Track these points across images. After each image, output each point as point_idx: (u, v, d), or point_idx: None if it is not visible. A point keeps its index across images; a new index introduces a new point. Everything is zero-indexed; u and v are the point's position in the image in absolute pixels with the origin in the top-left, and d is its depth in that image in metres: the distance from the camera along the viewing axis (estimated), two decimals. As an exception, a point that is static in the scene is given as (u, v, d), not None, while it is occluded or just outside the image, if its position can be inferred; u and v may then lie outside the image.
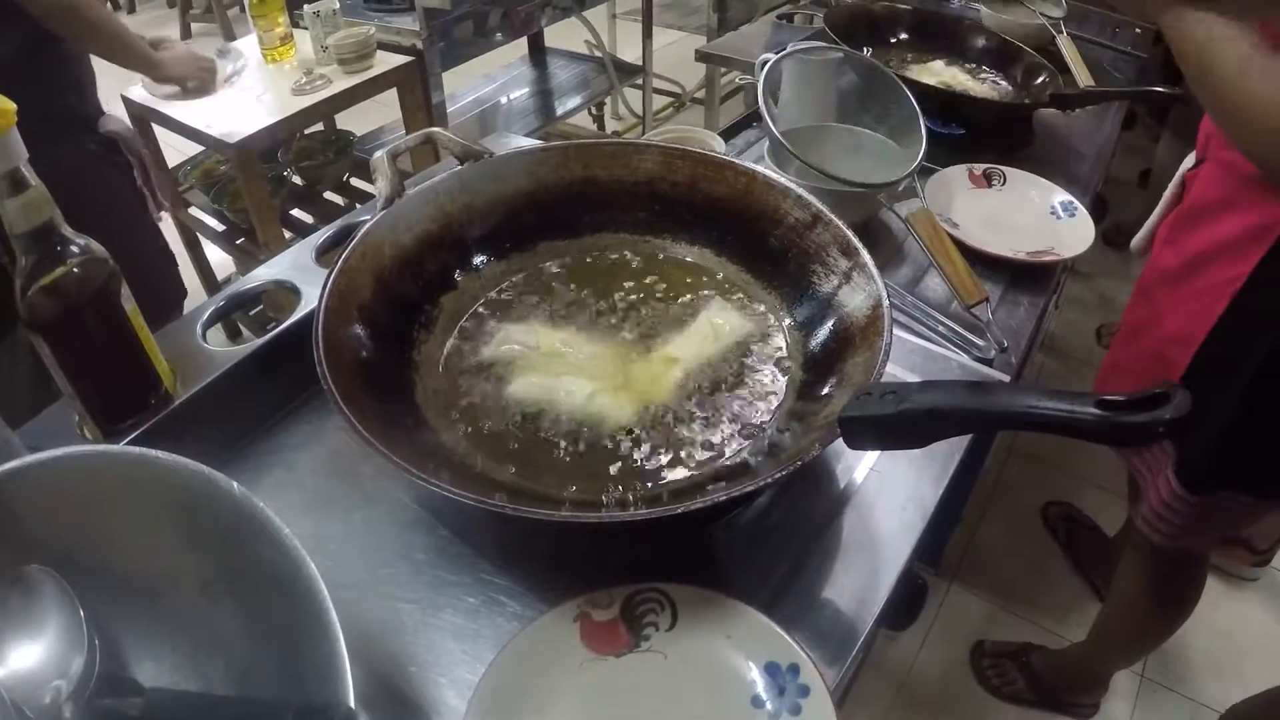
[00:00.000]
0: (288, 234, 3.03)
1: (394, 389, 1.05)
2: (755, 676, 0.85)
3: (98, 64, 2.21)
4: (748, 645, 0.87)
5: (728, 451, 1.01)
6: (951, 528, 2.57)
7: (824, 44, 1.80)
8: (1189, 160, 1.70)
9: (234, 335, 3.34)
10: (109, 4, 6.68)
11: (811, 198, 1.15)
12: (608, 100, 4.65)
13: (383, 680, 0.89)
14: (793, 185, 1.18)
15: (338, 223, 1.42)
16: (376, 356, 1.04)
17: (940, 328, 1.40)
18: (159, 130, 2.81)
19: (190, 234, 3.24)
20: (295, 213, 3.30)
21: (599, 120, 4.72)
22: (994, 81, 2.23)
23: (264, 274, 1.32)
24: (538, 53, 4.36)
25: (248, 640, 0.79)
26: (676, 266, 1.26)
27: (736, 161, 1.23)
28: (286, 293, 1.29)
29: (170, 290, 2.53)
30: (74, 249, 0.93)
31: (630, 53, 4.50)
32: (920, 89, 1.78)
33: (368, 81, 2.82)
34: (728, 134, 2.00)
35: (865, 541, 1.03)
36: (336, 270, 1.04)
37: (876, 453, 1.11)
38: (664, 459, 1.00)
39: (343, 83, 2.78)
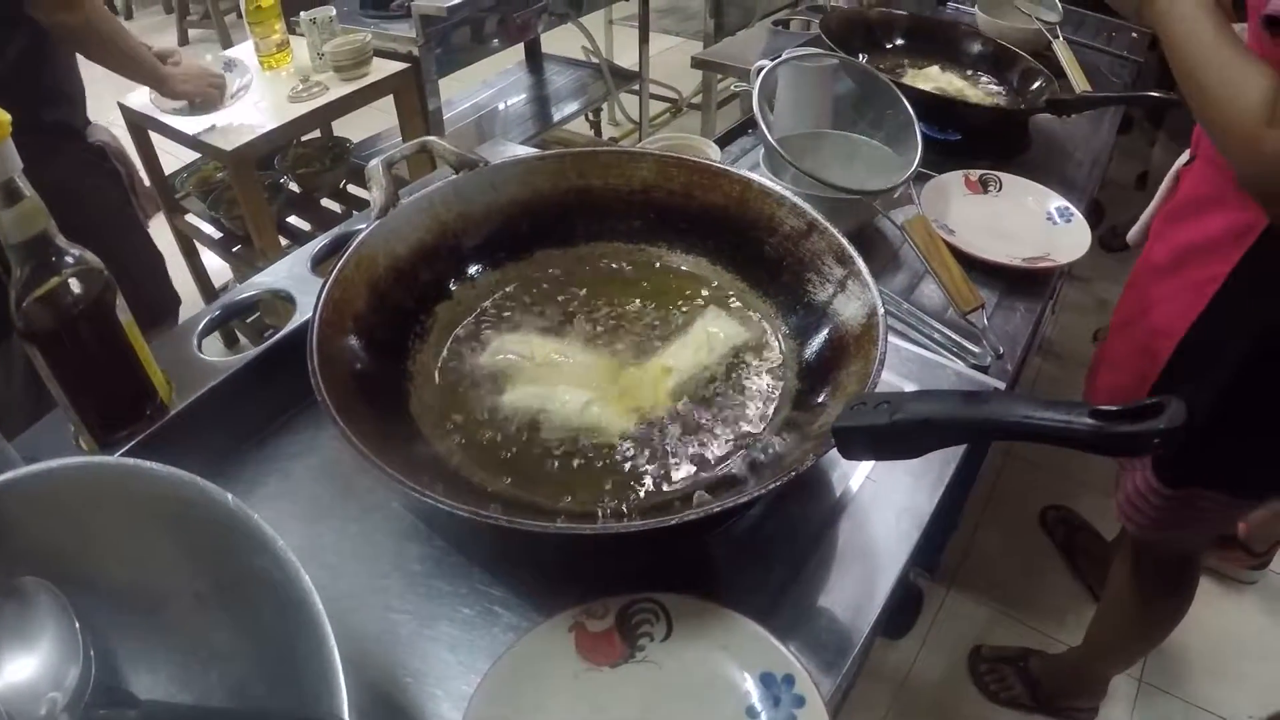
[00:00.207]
0: (284, 241, 3.03)
1: (389, 399, 1.05)
2: (750, 687, 0.85)
3: (94, 69, 2.21)
4: (742, 655, 0.87)
5: (723, 461, 1.01)
6: (949, 533, 2.57)
7: (819, 50, 1.80)
8: (1184, 156, 1.71)
9: (231, 343, 3.35)
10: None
11: (806, 206, 1.15)
12: (604, 106, 4.65)
13: (378, 691, 0.89)
14: (788, 193, 1.18)
15: (333, 231, 1.42)
16: (371, 367, 1.04)
17: (936, 335, 1.40)
18: (155, 137, 2.81)
19: (187, 241, 3.24)
20: (292, 220, 3.31)
21: (596, 126, 4.72)
22: (990, 87, 2.23)
23: (259, 283, 1.32)
24: (534, 59, 4.35)
25: (243, 651, 0.79)
26: (672, 275, 1.26)
27: (731, 170, 1.24)
28: (282, 302, 1.29)
29: (163, 298, 2.53)
30: (69, 259, 0.93)
31: (627, 58, 4.50)
32: (916, 95, 1.78)
33: (364, 89, 2.82)
34: (724, 141, 2.00)
35: (861, 550, 1.03)
36: (331, 281, 1.04)
37: (872, 462, 1.11)
38: (659, 469, 1.00)
39: (339, 90, 2.77)
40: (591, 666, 0.88)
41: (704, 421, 1.06)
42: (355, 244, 1.10)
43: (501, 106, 4.02)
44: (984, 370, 1.34)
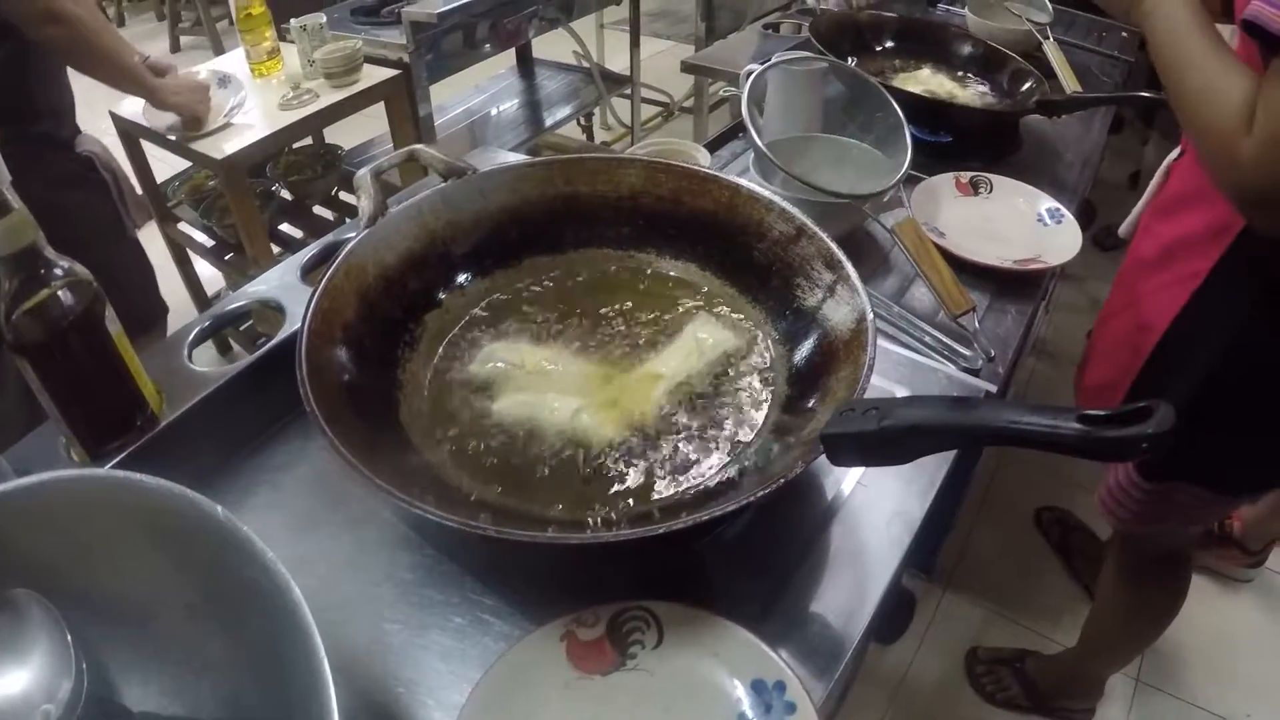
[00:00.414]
0: (276, 249, 3.03)
1: (378, 409, 1.05)
2: (741, 694, 0.85)
3: (85, 78, 2.21)
4: (734, 662, 0.87)
5: (713, 468, 1.01)
6: (945, 534, 2.57)
7: (809, 54, 1.80)
8: (1175, 152, 1.71)
9: (224, 350, 3.35)
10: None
11: (795, 211, 1.15)
12: (596, 110, 4.65)
13: (369, 701, 0.89)
14: (776, 199, 1.18)
15: (322, 240, 1.42)
16: (360, 377, 1.04)
17: (927, 338, 1.40)
18: (147, 145, 2.81)
19: (179, 249, 3.24)
20: (284, 227, 3.30)
21: (588, 131, 4.72)
22: (980, 88, 2.23)
23: (249, 293, 1.32)
24: (526, 64, 4.36)
25: (234, 663, 0.79)
26: (661, 281, 1.26)
27: (719, 175, 1.24)
28: (272, 311, 1.29)
29: (151, 307, 2.53)
30: (58, 272, 0.93)
31: (619, 62, 4.50)
32: (906, 98, 1.79)
33: (355, 96, 2.82)
34: (714, 145, 1.99)
35: (852, 555, 1.02)
36: (320, 291, 1.04)
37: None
38: (649, 477, 1.00)
39: (330, 97, 2.77)
40: (583, 675, 0.87)
41: (694, 428, 1.06)
42: (344, 253, 1.10)
43: (493, 112, 4.02)
44: (975, 373, 1.34)
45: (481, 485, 0.99)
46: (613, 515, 0.95)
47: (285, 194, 3.31)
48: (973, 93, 2.21)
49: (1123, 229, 1.83)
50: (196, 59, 3.66)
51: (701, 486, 0.99)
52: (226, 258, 3.11)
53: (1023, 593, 2.65)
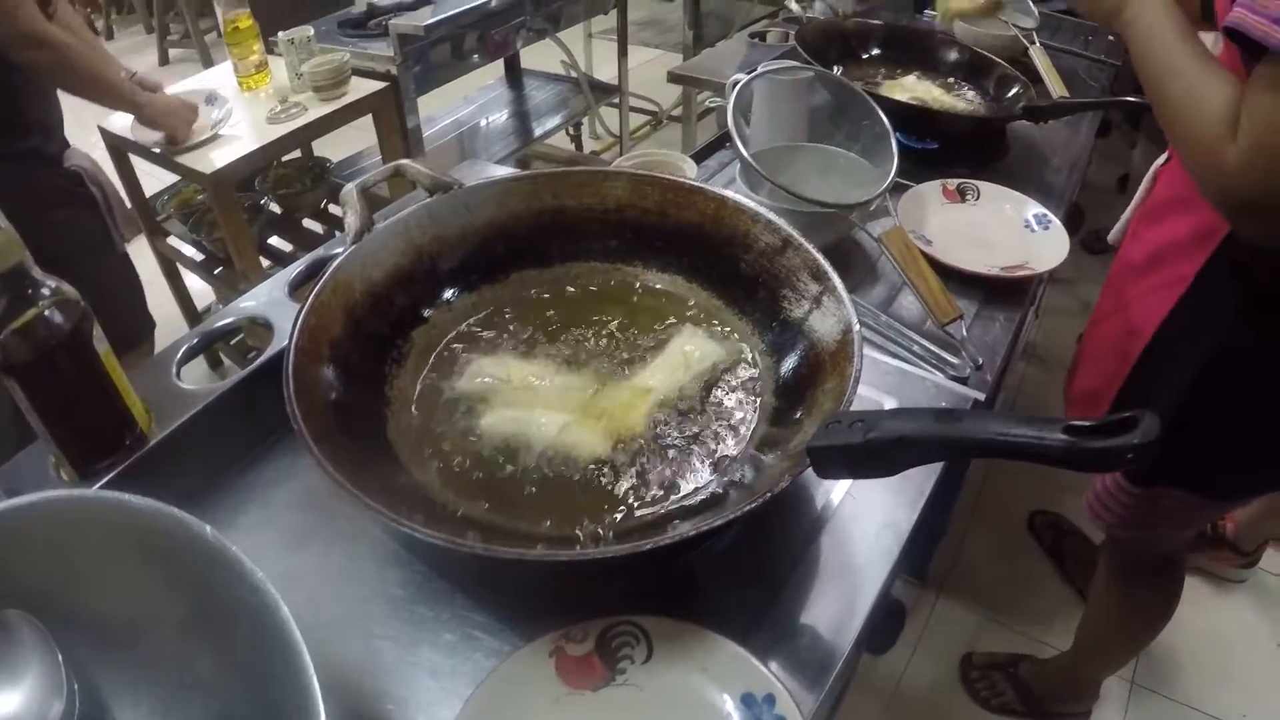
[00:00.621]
0: (266, 262, 3.03)
1: (366, 426, 1.05)
2: (731, 708, 0.85)
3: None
4: (723, 677, 0.87)
5: (701, 482, 1.01)
6: (937, 540, 2.57)
7: (795, 64, 1.80)
8: (1163, 156, 1.72)
9: (215, 364, 3.34)
10: (94, 33, 6.73)
11: (781, 222, 1.16)
12: (585, 120, 4.65)
13: (360, 719, 0.89)
14: (762, 210, 1.18)
15: (310, 256, 1.42)
16: (348, 394, 1.04)
17: (915, 347, 1.40)
18: (136, 159, 2.81)
19: (169, 263, 3.23)
20: (273, 240, 3.31)
21: (577, 140, 4.72)
22: (967, 94, 2.24)
23: (237, 309, 1.32)
24: (514, 74, 4.36)
25: (224, 682, 0.79)
26: (648, 293, 1.27)
27: (705, 187, 1.24)
28: (260, 328, 1.29)
29: (137, 323, 2.52)
30: (45, 291, 0.93)
31: (607, 72, 4.50)
32: (892, 105, 1.79)
33: (343, 108, 2.82)
34: (702, 155, 2.00)
35: (842, 566, 1.02)
36: (306, 308, 1.04)
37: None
38: (637, 492, 1.01)
39: (318, 110, 2.77)
40: (573, 691, 0.87)
41: (681, 442, 1.06)
42: (330, 270, 1.10)
43: (482, 123, 4.03)
44: (964, 381, 1.34)
45: (469, 501, 0.99)
46: (601, 531, 0.95)
47: (274, 207, 3.31)
48: (959, 99, 2.21)
49: (1112, 235, 1.84)
50: (185, 71, 3.66)
51: (689, 501, 0.99)
52: (216, 272, 3.11)
53: (1016, 597, 2.65)
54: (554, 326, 1.22)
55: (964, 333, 1.41)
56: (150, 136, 2.58)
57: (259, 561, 0.74)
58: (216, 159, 2.53)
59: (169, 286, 3.26)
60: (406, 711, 0.89)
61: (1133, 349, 1.51)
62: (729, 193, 1.22)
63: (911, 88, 2.19)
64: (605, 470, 1.03)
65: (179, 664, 0.80)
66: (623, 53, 4.26)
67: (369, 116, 2.98)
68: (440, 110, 4.06)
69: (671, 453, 1.05)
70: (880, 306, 1.50)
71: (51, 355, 0.94)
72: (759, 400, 1.11)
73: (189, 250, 3.19)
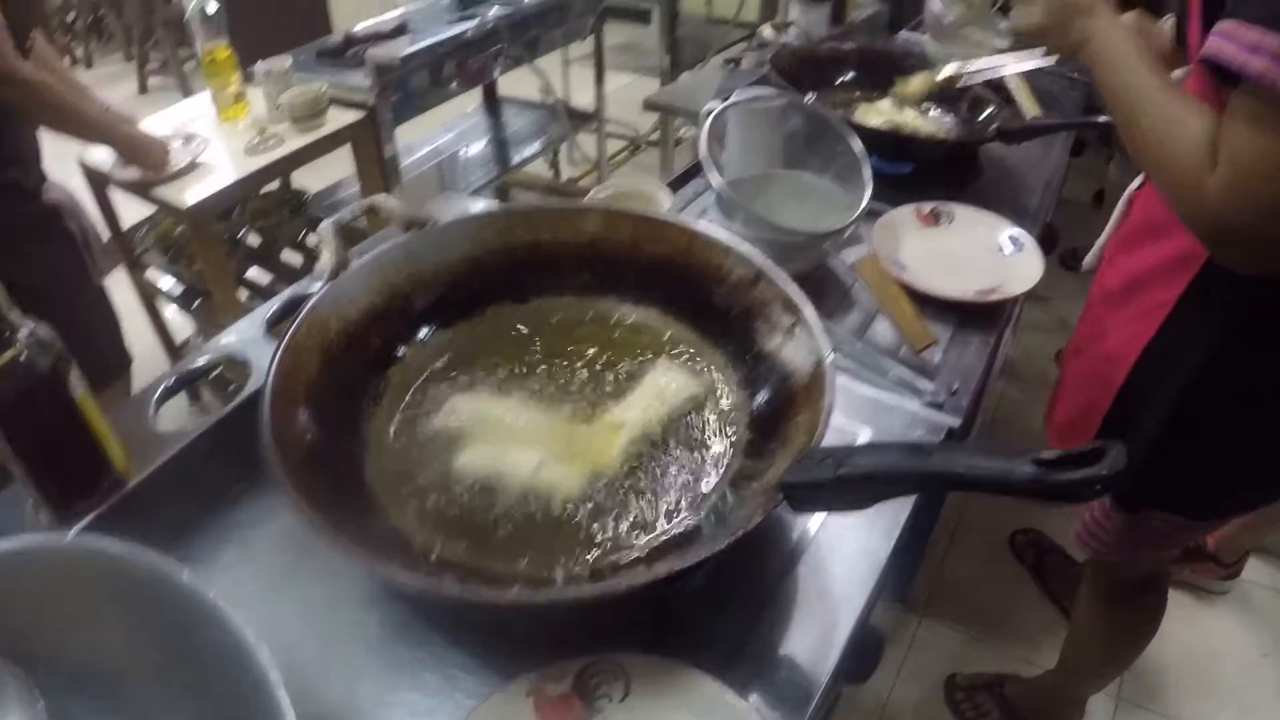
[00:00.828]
0: (246, 293, 3.03)
1: (344, 467, 1.05)
2: (710, 744, 0.86)
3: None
4: (702, 712, 0.87)
5: (676, 518, 1.02)
6: (918, 563, 2.57)
7: (768, 91, 1.80)
8: (1137, 180, 1.72)
9: (195, 397, 3.33)
10: (69, 61, 6.73)
11: (753, 254, 1.16)
12: (564, 146, 4.67)
13: (339, 762, 0.89)
14: (734, 243, 1.19)
15: (288, 292, 1.41)
16: (325, 435, 1.04)
17: (890, 373, 1.40)
18: (115, 192, 2.80)
19: (148, 295, 3.22)
20: (253, 273, 3.29)
21: (555, 167, 4.73)
22: (941, 117, 2.25)
23: (215, 346, 1.32)
24: (492, 101, 4.38)
25: (204, 727, 0.79)
26: (623, 327, 1.27)
27: (677, 221, 1.25)
28: (238, 365, 1.29)
29: (114, 358, 2.51)
30: (22, 334, 0.93)
31: (585, 97, 4.51)
32: (865, 132, 1.80)
33: (321, 140, 2.82)
34: (679, 182, 1.99)
35: (819, 597, 1.03)
36: (282, 348, 1.04)
37: (825, 512, 1.12)
38: (613, 530, 1.01)
39: (296, 141, 2.77)
40: (552, 730, 0.88)
41: (657, 478, 1.06)
42: (305, 310, 1.10)
43: (462, 151, 4.04)
44: (939, 407, 1.35)
45: (447, 541, 0.99)
46: (577, 570, 0.96)
47: (253, 239, 3.30)
48: (933, 121, 2.22)
49: (1087, 261, 1.85)
50: (165, 100, 3.65)
51: (665, 538, 0.99)
52: (195, 305, 3.09)
53: (999, 616, 2.66)
54: (530, 362, 1.22)
55: (938, 358, 1.41)
56: (129, 173, 2.58)
57: (238, 603, 0.74)
58: (194, 193, 2.52)
59: (148, 319, 3.25)
60: (386, 754, 0.89)
61: (1114, 377, 1.51)
62: (701, 226, 1.23)
63: (885, 111, 2.20)
64: (582, 508, 1.03)
65: (159, 708, 0.80)
66: (600, 78, 4.28)
67: (347, 145, 2.98)
68: (419, 138, 4.07)
69: (647, 489, 1.05)
70: (856, 332, 1.51)
71: (29, 398, 0.94)
72: (734, 433, 1.11)
73: (168, 283, 3.18)
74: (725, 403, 1.15)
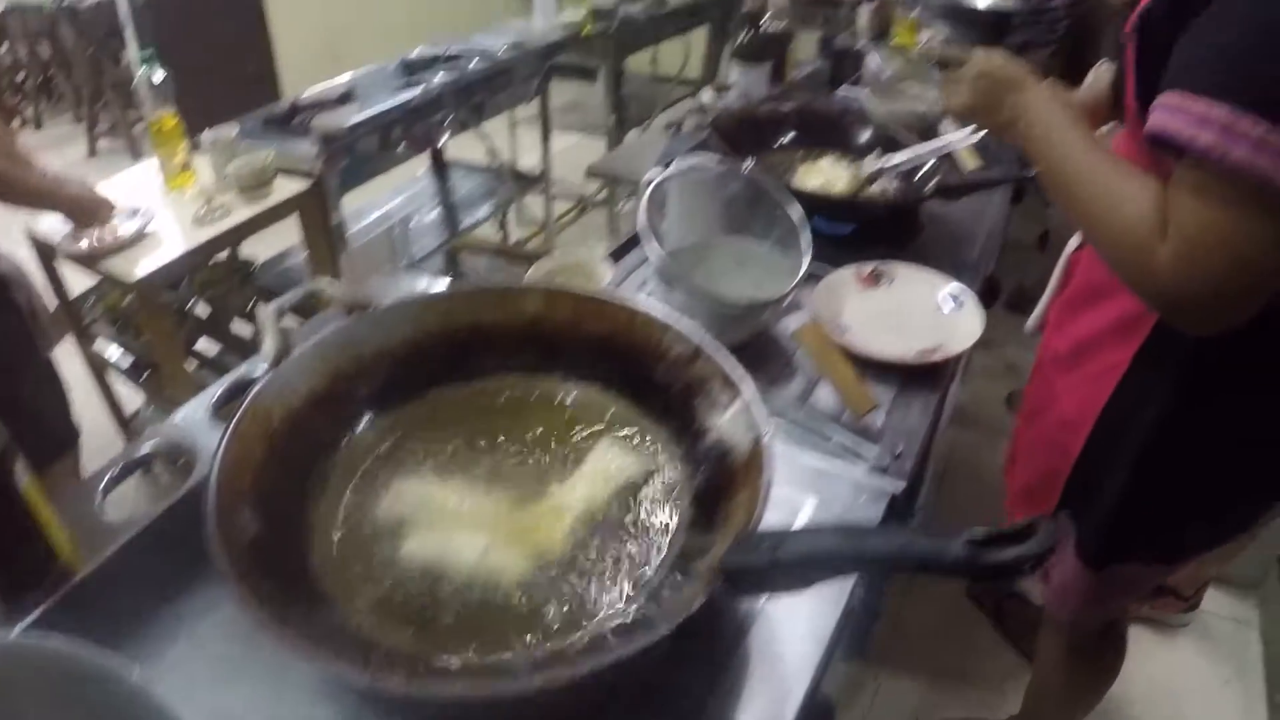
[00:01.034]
0: (195, 364, 3.01)
1: (290, 558, 1.04)
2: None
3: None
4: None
5: (621, 603, 1.02)
6: (875, 618, 2.58)
7: (706, 159, 1.82)
8: (1074, 241, 1.75)
9: (147, 469, 3.29)
10: (19, 122, 6.69)
11: (691, 331, 1.17)
12: (512, 207, 4.68)
13: None
14: (672, 320, 1.20)
15: (232, 375, 1.41)
16: (271, 524, 1.03)
17: (834, 440, 1.42)
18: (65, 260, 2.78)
19: (98, 367, 3.20)
20: (202, 344, 3.28)
21: (504, 228, 4.73)
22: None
23: (160, 432, 1.31)
24: (440, 165, 4.39)
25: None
26: (566, 405, 1.28)
27: (615, 299, 1.26)
28: (184, 453, 1.28)
29: (62, 433, 2.47)
30: (-33, 422, 0.93)
31: (532, 158, 4.53)
32: (804, 196, 1.82)
33: (268, 211, 2.82)
34: (621, 250, 1.99)
35: (768, 671, 1.04)
36: (226, 440, 1.04)
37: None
38: (560, 615, 1.01)
39: (243, 211, 2.76)
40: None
41: (603, 561, 1.07)
42: (249, 399, 1.09)
43: (411, 216, 4.05)
44: (884, 472, 1.36)
45: (394, 630, 0.99)
46: (523, 660, 0.96)
47: (202, 309, 3.29)
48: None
49: (1030, 324, 1.87)
50: (114, 163, 3.64)
51: (611, 624, 0.99)
52: (144, 377, 3.08)
53: (961, 664, 2.67)
54: (474, 444, 1.22)
55: (881, 422, 1.43)
56: (77, 245, 2.57)
57: (187, 699, 0.75)
58: (142, 266, 2.51)
59: (97, 389, 3.22)
60: None
61: (1073, 443, 1.53)
62: (640, 303, 1.24)
63: (826, 171, 2.21)
64: (528, 594, 1.03)
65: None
66: (546, 139, 4.31)
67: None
68: (368, 202, 4.08)
69: (593, 573, 1.05)
70: (799, 399, 1.52)
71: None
72: (678, 512, 1.12)
73: (117, 354, 3.16)
74: (668, 480, 1.16)
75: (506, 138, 4.60)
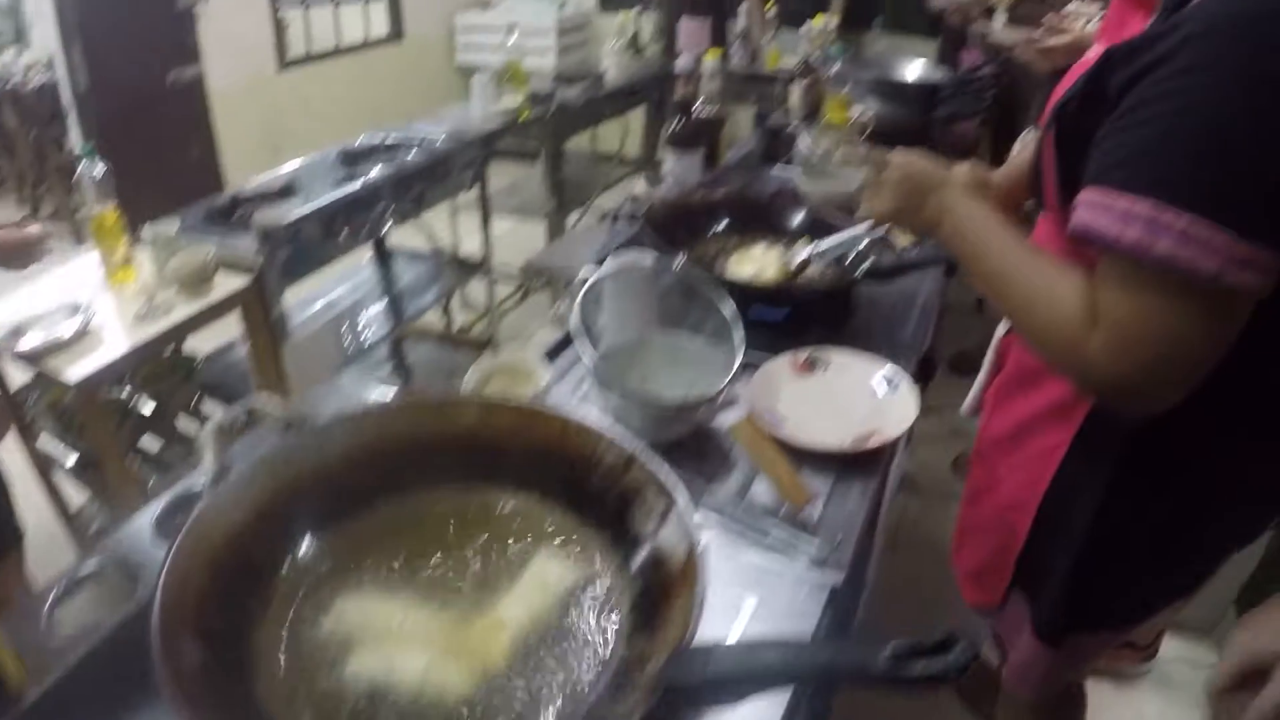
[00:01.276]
0: (139, 460, 2.99)
1: (235, 681, 1.04)
2: None
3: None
4: None
5: (564, 717, 1.03)
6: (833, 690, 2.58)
7: (638, 256, 1.82)
8: (1003, 326, 1.78)
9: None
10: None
11: (624, 440, 1.20)
12: (456, 292, 4.69)
13: None
14: (604, 429, 1.22)
15: (174, 491, 1.41)
16: (215, 649, 1.04)
17: (772, 534, 1.42)
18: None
19: (42, 465, 3.17)
20: (146, 440, 3.25)
21: (448, 314, 4.73)
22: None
23: (103, 549, 1.32)
24: (383, 254, 4.41)
25: None
26: (505, 516, 1.29)
27: (547, 410, 1.29)
28: (126, 571, 1.29)
29: (5, 532, 2.44)
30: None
31: (474, 243, 4.54)
32: (736, 287, 1.84)
33: (210, 309, 2.80)
34: (559, 349, 1.98)
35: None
36: (168, 566, 1.04)
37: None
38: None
39: (184, 309, 2.74)
40: None
41: (543, 674, 1.08)
42: (191, 522, 1.10)
43: (356, 304, 4.06)
44: (823, 563, 1.37)
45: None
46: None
47: (145, 405, 3.27)
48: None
49: (965, 409, 1.89)
50: (57, 248, 3.59)
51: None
52: (88, 474, 3.05)
53: (919, 731, 2.67)
54: (415, 559, 1.24)
55: (819, 514, 1.45)
56: (21, 345, 2.55)
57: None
58: (81, 367, 2.49)
59: (41, 486, 3.19)
60: None
61: (1020, 523, 1.55)
62: (573, 412, 1.27)
63: (758, 258, 2.21)
64: (472, 712, 1.04)
65: None
66: (485, 224, 4.34)
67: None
68: (313, 291, 4.07)
69: (533, 687, 1.06)
70: (737, 494, 1.53)
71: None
72: (616, 621, 1.13)
73: (60, 450, 3.14)
74: (608, 588, 1.17)
75: (447, 224, 4.62)
